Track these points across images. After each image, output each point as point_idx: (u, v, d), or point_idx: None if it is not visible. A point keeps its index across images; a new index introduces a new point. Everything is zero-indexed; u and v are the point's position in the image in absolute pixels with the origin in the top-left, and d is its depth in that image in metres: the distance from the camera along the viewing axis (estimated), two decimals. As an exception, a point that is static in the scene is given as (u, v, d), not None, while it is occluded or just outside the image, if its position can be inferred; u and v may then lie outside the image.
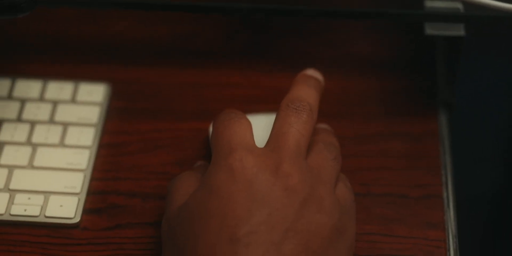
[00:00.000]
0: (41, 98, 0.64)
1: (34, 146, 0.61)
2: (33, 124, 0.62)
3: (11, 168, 0.59)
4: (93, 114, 0.63)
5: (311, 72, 0.58)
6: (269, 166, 0.51)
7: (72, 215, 0.57)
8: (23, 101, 0.63)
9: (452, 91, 0.63)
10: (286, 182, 0.50)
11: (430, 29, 0.60)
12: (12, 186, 0.58)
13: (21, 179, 0.59)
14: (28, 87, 0.64)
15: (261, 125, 0.57)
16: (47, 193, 0.58)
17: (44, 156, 0.60)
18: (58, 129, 0.62)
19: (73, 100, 0.64)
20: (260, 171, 0.51)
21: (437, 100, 0.65)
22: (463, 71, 0.63)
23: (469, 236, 0.63)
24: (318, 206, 0.50)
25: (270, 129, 0.55)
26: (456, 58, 0.61)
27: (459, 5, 0.60)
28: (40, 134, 0.61)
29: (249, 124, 0.55)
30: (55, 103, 0.63)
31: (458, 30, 0.60)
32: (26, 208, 0.57)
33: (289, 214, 0.49)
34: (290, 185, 0.50)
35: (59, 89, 0.64)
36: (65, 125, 0.62)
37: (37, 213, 0.57)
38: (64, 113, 0.63)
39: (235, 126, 0.54)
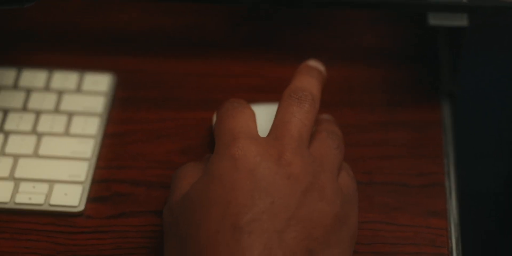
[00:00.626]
0: (47, 88, 0.64)
1: (39, 135, 0.61)
2: (38, 113, 0.62)
3: (16, 157, 0.60)
4: (98, 103, 0.63)
5: (313, 63, 0.58)
6: (272, 155, 0.51)
7: (76, 204, 0.58)
8: (28, 91, 0.64)
9: (455, 80, 0.64)
10: (289, 171, 0.51)
11: (433, 19, 0.60)
12: (17, 175, 0.59)
13: (26, 168, 0.59)
14: (34, 77, 0.64)
15: (264, 115, 0.57)
16: (51, 182, 0.59)
17: (49, 145, 0.61)
18: (63, 118, 0.62)
19: (78, 90, 0.64)
20: (263, 160, 0.51)
21: (440, 90, 0.65)
22: (467, 62, 0.63)
23: (471, 227, 0.63)
24: (320, 194, 0.51)
25: (273, 119, 0.55)
26: (459, 48, 0.61)
27: (462, -5, 0.60)
28: (45, 123, 0.62)
29: (252, 114, 0.55)
30: (60, 93, 0.64)
31: (462, 20, 0.60)
32: (31, 196, 0.58)
33: (291, 203, 0.50)
34: (292, 173, 0.51)
35: (64, 79, 0.65)
36: (70, 115, 0.62)
37: (41, 202, 0.58)
38: (69, 102, 0.63)
39: (238, 115, 0.55)
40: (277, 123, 0.54)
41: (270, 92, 0.64)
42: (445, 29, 0.65)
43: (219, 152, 0.52)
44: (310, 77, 0.57)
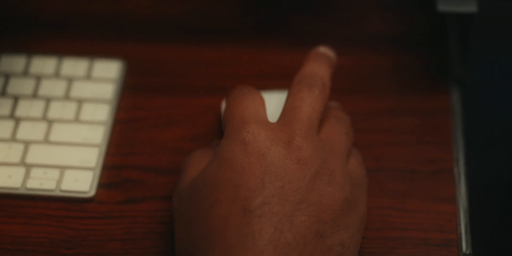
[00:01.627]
0: (57, 75, 0.64)
1: (50, 122, 0.61)
2: (48, 100, 0.63)
3: (27, 143, 0.60)
4: (108, 90, 0.64)
5: (323, 49, 0.58)
6: (282, 140, 0.52)
7: (87, 189, 0.58)
8: (38, 78, 0.64)
9: (464, 67, 0.64)
10: (298, 155, 0.51)
11: (443, 5, 0.60)
12: (28, 161, 0.59)
13: (37, 154, 0.60)
14: (44, 64, 0.65)
15: (273, 102, 0.58)
16: (62, 168, 0.59)
17: (59, 132, 0.61)
18: (73, 105, 0.62)
19: (88, 77, 0.64)
20: (273, 144, 0.51)
21: (449, 76, 0.65)
22: (477, 49, 0.63)
23: (481, 213, 0.63)
24: (330, 178, 0.51)
25: (283, 106, 0.55)
26: (468, 34, 0.61)
27: (472, -19, 0.60)
28: (56, 110, 0.62)
29: (262, 99, 0.56)
30: (70, 80, 0.64)
31: (471, 7, 0.60)
32: (42, 182, 0.58)
33: (301, 187, 0.50)
34: (302, 158, 0.51)
35: (74, 65, 0.65)
36: (80, 101, 0.63)
37: (53, 187, 0.58)
38: (79, 89, 0.63)
39: (248, 100, 0.55)
40: (287, 108, 0.54)
41: (279, 79, 0.65)
42: (454, 15, 0.65)
43: (229, 136, 0.53)
44: (320, 63, 0.57)
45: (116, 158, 0.60)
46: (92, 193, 0.58)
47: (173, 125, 0.62)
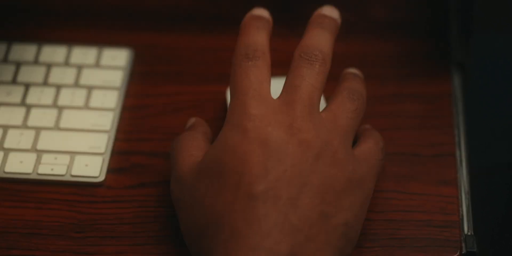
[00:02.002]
0: (66, 63, 0.65)
1: (60, 109, 0.63)
2: (58, 87, 0.64)
3: (38, 129, 0.61)
4: (117, 78, 0.65)
5: (328, 10, 0.57)
6: (283, 123, 0.52)
7: (97, 174, 0.59)
8: (49, 66, 0.65)
9: (465, 51, 0.64)
10: (300, 138, 0.51)
11: (445, -8, 0.60)
12: (39, 147, 0.60)
13: (47, 140, 0.61)
14: (54, 52, 0.66)
15: (279, 88, 0.58)
16: (73, 153, 0.60)
17: (69, 118, 0.62)
18: (83, 92, 0.64)
19: (97, 65, 0.65)
20: (274, 130, 0.51)
21: (451, 61, 0.65)
22: (479, 35, 0.64)
23: (483, 197, 0.64)
24: (332, 159, 0.51)
25: None
26: (469, 19, 0.62)
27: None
28: (66, 97, 0.63)
29: (266, 66, 0.55)
30: (79, 68, 0.65)
31: (472, -7, 0.60)
32: (53, 167, 0.59)
33: (304, 169, 0.51)
34: (303, 140, 0.51)
35: (83, 54, 0.66)
36: (90, 89, 0.64)
37: (63, 172, 0.59)
38: (89, 77, 0.65)
39: (251, 73, 0.54)
40: (288, 86, 0.54)
41: (284, 66, 0.65)
42: (456, 1, 0.66)
43: (231, 122, 0.53)
44: (322, 30, 0.56)
45: (125, 144, 0.61)
46: (101, 178, 0.59)
47: (180, 112, 0.63)
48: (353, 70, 0.59)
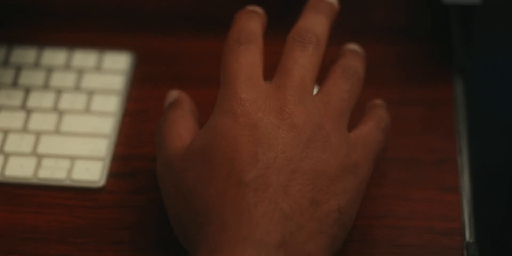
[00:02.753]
0: (67, 66, 0.65)
1: (61, 113, 0.63)
2: (59, 91, 0.64)
3: (38, 133, 0.61)
4: (117, 81, 0.64)
5: None
6: (274, 108, 0.51)
7: (97, 179, 0.59)
8: (49, 69, 0.65)
9: (467, 55, 0.64)
10: (291, 122, 0.51)
11: (447, -3, 0.60)
12: (39, 151, 0.60)
13: (48, 144, 0.61)
14: (55, 56, 0.66)
15: None
16: (73, 158, 0.60)
17: (70, 122, 0.62)
18: (84, 96, 0.63)
19: (98, 68, 0.65)
20: (265, 115, 0.51)
21: (452, 65, 0.65)
22: (481, 39, 0.64)
23: (485, 203, 0.64)
24: (324, 144, 0.51)
25: None
26: (471, 25, 0.62)
27: (476, -27, 0.61)
28: (66, 101, 0.63)
29: (258, 51, 0.54)
30: (80, 71, 0.65)
31: (475, -1, 0.60)
32: (53, 171, 0.59)
33: (294, 156, 0.50)
34: (294, 125, 0.51)
35: (84, 57, 0.66)
36: (90, 92, 0.64)
37: (63, 177, 0.59)
38: (89, 80, 0.64)
39: (242, 56, 0.53)
40: (280, 69, 0.53)
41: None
42: (458, 6, 0.66)
43: (221, 107, 0.52)
44: (317, 13, 0.55)
45: (125, 148, 0.61)
46: (102, 182, 0.59)
47: (181, 116, 0.63)
48: (352, 46, 0.57)
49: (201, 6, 0.70)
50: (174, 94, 0.58)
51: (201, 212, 0.50)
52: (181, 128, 0.54)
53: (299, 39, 0.53)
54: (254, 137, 0.50)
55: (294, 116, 0.51)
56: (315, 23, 0.54)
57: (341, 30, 0.67)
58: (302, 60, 0.53)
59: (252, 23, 0.56)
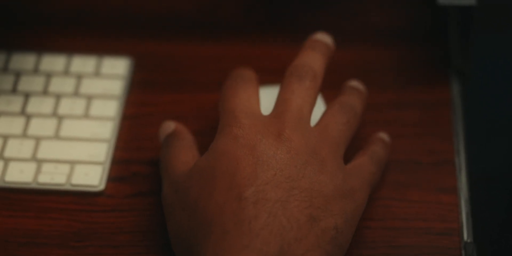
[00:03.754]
0: (66, 72, 0.66)
1: (60, 118, 0.63)
2: (58, 96, 0.64)
3: (38, 138, 0.62)
4: (116, 86, 0.65)
5: (319, 36, 0.58)
6: (272, 132, 0.53)
7: (97, 183, 0.59)
8: (48, 75, 0.65)
9: (465, 58, 0.64)
10: (289, 146, 0.52)
11: (443, -1, 0.61)
12: (39, 156, 0.61)
13: (47, 149, 0.61)
14: (54, 61, 0.66)
15: (270, 96, 0.59)
16: (72, 162, 0.60)
17: (69, 127, 0.62)
18: (83, 101, 0.64)
19: (97, 74, 0.66)
20: (264, 137, 0.53)
21: (451, 69, 0.66)
22: (478, 42, 0.64)
23: (483, 204, 0.64)
24: (320, 167, 0.52)
25: None
26: (469, 27, 0.62)
27: (471, -26, 0.61)
28: (66, 106, 0.63)
29: (255, 89, 0.57)
30: (79, 77, 0.65)
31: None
32: (53, 176, 0.60)
33: (292, 174, 0.51)
34: (292, 148, 0.52)
35: (83, 63, 0.66)
36: (89, 98, 0.64)
37: (63, 182, 0.59)
38: (88, 86, 0.65)
39: (240, 93, 0.56)
40: (279, 101, 0.55)
41: (283, 74, 0.65)
42: (454, 8, 0.66)
43: (222, 132, 0.54)
44: (314, 52, 0.57)
45: (125, 153, 0.62)
46: (101, 187, 0.59)
47: (180, 120, 0.63)
48: (353, 83, 0.59)
49: (199, 11, 0.70)
50: (171, 125, 0.59)
51: (203, 224, 0.51)
52: (185, 156, 0.56)
53: (296, 74, 0.55)
54: (254, 156, 0.52)
55: (291, 140, 0.53)
56: (311, 60, 0.56)
57: (340, 34, 0.67)
58: (299, 92, 0.55)
59: (248, 70, 0.58)
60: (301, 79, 0.55)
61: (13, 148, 0.61)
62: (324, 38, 0.58)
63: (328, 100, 0.63)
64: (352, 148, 0.61)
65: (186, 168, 0.55)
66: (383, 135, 0.59)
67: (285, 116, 0.54)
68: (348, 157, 0.59)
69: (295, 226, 0.50)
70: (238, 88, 0.56)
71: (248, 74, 0.58)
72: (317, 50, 0.57)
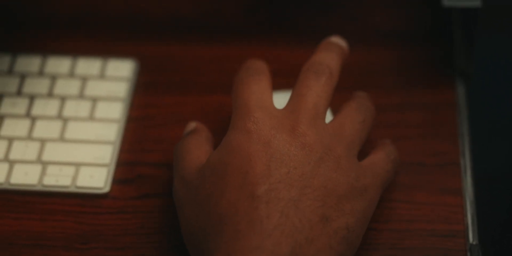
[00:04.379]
0: (71, 74, 0.66)
1: (65, 120, 0.63)
2: (63, 99, 0.64)
3: (43, 141, 0.62)
4: (121, 88, 0.65)
5: (335, 39, 0.58)
6: (286, 127, 0.52)
7: (102, 185, 0.60)
8: (53, 77, 0.65)
9: (469, 60, 0.64)
10: (303, 141, 0.52)
11: (448, 0, 0.60)
12: (44, 158, 0.61)
13: (52, 152, 0.61)
14: (59, 64, 0.66)
15: (283, 102, 0.58)
16: (77, 165, 0.60)
17: (74, 129, 0.62)
18: (88, 103, 0.64)
19: (101, 76, 0.66)
20: (278, 132, 0.52)
21: (454, 70, 0.66)
22: (482, 43, 0.64)
23: (488, 205, 0.64)
24: (335, 165, 0.52)
25: None
26: (473, 28, 0.62)
27: (476, -24, 0.61)
28: (71, 108, 0.64)
29: (267, 81, 0.56)
30: (84, 79, 0.65)
31: (475, 1, 0.60)
32: (58, 179, 0.60)
33: (306, 172, 0.51)
34: (306, 144, 0.52)
35: (88, 65, 0.66)
36: (94, 100, 0.64)
37: (68, 184, 0.60)
38: (93, 88, 0.65)
39: (253, 85, 0.55)
40: (294, 96, 0.54)
41: (287, 76, 0.65)
42: (459, 9, 0.66)
43: (235, 126, 0.53)
44: (330, 52, 0.57)
45: (130, 155, 0.62)
46: (106, 189, 0.59)
47: (185, 122, 0.63)
48: (361, 93, 0.59)
49: (203, 13, 0.70)
50: (192, 124, 0.59)
51: (214, 222, 0.51)
52: (198, 150, 0.56)
53: (312, 70, 0.55)
54: (267, 153, 0.51)
55: (306, 136, 0.52)
56: (328, 58, 0.56)
57: (342, 35, 0.67)
58: (316, 87, 0.54)
59: (259, 61, 0.58)
60: (318, 75, 0.55)
61: (18, 151, 0.61)
62: (339, 41, 0.58)
63: (335, 105, 0.63)
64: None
65: (198, 163, 0.54)
66: (388, 140, 0.59)
67: (300, 111, 0.53)
68: (359, 158, 0.59)
69: (307, 226, 0.49)
70: (251, 81, 0.55)
71: (260, 66, 0.57)
72: (332, 51, 0.57)
